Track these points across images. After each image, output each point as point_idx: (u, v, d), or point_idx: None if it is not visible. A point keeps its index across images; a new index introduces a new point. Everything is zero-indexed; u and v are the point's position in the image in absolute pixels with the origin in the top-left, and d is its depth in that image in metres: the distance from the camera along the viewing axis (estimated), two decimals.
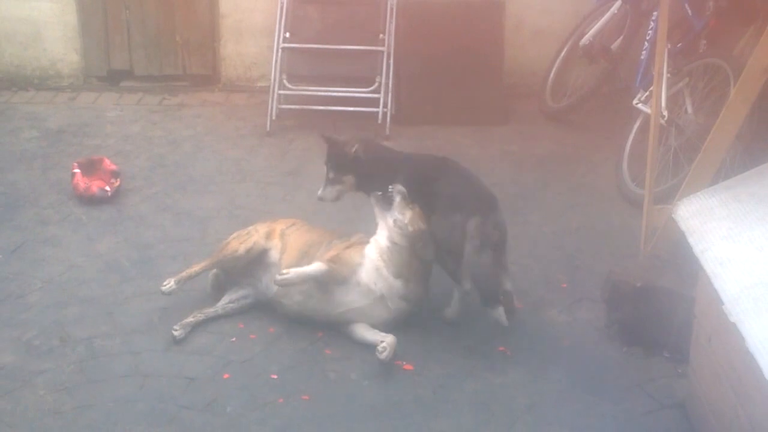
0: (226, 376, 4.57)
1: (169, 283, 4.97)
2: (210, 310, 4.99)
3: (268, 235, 5.10)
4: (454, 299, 4.88)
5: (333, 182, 5.15)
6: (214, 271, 5.15)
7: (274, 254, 5.03)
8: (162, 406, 4.36)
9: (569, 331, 4.95)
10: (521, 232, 5.86)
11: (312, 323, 4.88)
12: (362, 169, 5.07)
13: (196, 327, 4.89)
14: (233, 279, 5.10)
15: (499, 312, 4.76)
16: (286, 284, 4.77)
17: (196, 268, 5.08)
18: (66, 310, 5.07)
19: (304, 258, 4.94)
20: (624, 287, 4.80)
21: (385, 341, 4.59)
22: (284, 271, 4.77)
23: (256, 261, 5.03)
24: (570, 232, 5.91)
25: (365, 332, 4.78)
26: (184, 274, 5.03)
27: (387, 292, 4.78)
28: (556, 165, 6.81)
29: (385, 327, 4.76)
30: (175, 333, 4.81)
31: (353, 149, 5.05)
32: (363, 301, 4.80)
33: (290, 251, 5.02)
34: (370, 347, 4.66)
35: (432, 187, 4.88)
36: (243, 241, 5.07)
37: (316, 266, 4.76)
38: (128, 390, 4.46)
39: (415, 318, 4.89)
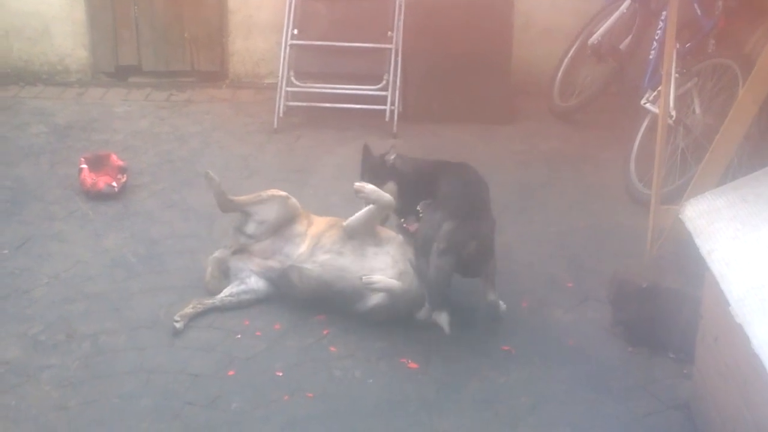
0: (230, 372, 4.58)
1: (215, 178, 5.22)
2: (209, 302, 5.01)
3: (295, 208, 5.21)
4: (425, 307, 4.81)
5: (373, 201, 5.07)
6: (216, 254, 5.21)
7: (299, 227, 5.13)
8: (167, 402, 4.37)
9: (574, 330, 4.94)
10: (527, 230, 5.86)
11: (315, 320, 4.88)
12: (400, 178, 5.05)
13: (195, 318, 4.92)
14: (240, 265, 5.13)
15: (442, 318, 4.66)
16: (364, 197, 4.91)
17: (236, 198, 5.23)
18: (72, 305, 5.08)
19: (333, 227, 5.07)
20: (630, 287, 4.79)
21: (384, 279, 4.78)
22: (359, 183, 4.94)
23: (277, 233, 5.12)
24: (576, 231, 5.90)
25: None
26: (232, 196, 5.23)
27: (404, 273, 4.86)
28: (563, 164, 6.80)
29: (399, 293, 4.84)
30: (176, 324, 4.84)
31: (391, 157, 5.09)
32: (389, 269, 4.86)
33: (317, 225, 5.15)
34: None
35: (439, 188, 4.89)
36: (269, 190, 5.24)
37: (387, 198, 4.92)
38: (133, 386, 4.47)
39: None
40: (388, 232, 5.05)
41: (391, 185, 5.04)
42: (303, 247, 5.03)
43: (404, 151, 6.82)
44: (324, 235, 5.06)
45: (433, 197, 4.88)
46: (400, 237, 4.99)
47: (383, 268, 4.87)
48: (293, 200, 5.22)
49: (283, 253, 5.06)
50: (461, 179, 4.95)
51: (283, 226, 5.13)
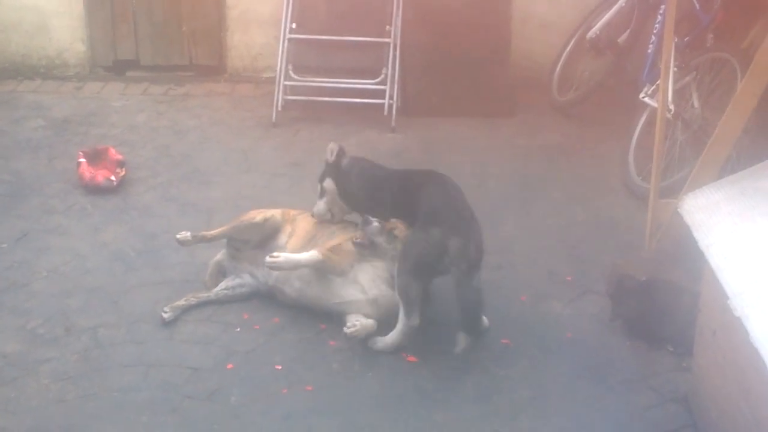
0: (229, 366, 4.58)
1: (186, 234, 5.08)
2: (203, 295, 5.02)
3: (283, 216, 5.16)
4: (397, 328, 4.64)
5: (320, 194, 5.11)
6: (217, 257, 5.18)
7: (282, 238, 5.08)
8: (165, 395, 4.37)
9: (573, 324, 4.94)
10: (526, 224, 5.87)
11: (312, 312, 4.89)
12: (343, 177, 5.02)
13: (187, 311, 4.92)
14: (235, 265, 5.11)
15: (462, 337, 4.57)
16: (275, 268, 4.79)
17: (212, 232, 5.16)
18: (71, 299, 5.08)
19: (310, 243, 4.97)
20: (628, 281, 4.79)
21: (360, 321, 4.64)
22: (275, 254, 4.79)
23: (263, 244, 5.07)
24: (575, 225, 5.90)
25: (353, 319, 4.76)
26: (201, 233, 5.14)
27: (380, 298, 4.77)
28: (562, 157, 6.80)
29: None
30: (165, 315, 4.86)
31: (332, 155, 5.05)
32: (358, 296, 4.80)
33: (297, 236, 5.06)
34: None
35: (415, 201, 4.75)
36: (261, 212, 5.16)
37: (309, 255, 4.78)
38: (132, 379, 4.47)
39: None
40: (352, 254, 4.82)
41: (329, 182, 5.04)
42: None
43: (404, 146, 6.90)
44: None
45: (400, 205, 4.79)
46: (367, 256, 4.81)
47: (354, 299, 4.79)
48: (272, 218, 5.12)
49: (265, 269, 4.99)
50: (441, 190, 4.78)
51: (267, 239, 5.11)
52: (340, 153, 5.09)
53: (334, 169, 5.07)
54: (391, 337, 4.65)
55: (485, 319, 4.77)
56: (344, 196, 5.05)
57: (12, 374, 4.48)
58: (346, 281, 4.81)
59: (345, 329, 4.60)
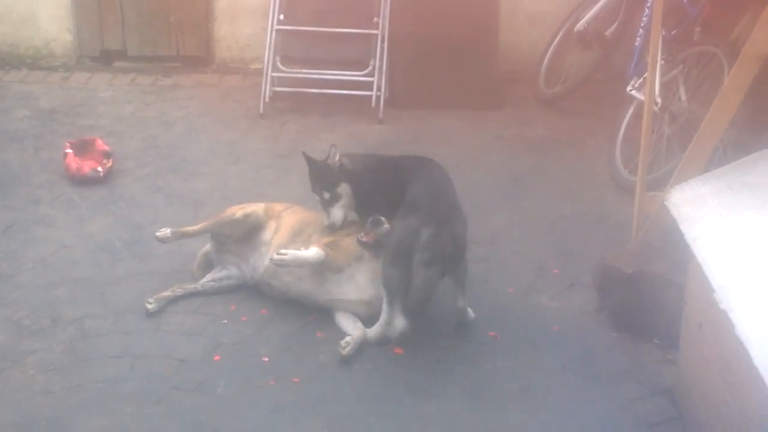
0: (216, 357, 4.58)
1: (165, 232, 5.05)
2: (189, 287, 5.01)
3: (266, 212, 5.11)
4: (379, 322, 4.61)
5: (332, 201, 4.85)
6: (205, 249, 5.17)
7: (267, 233, 5.04)
8: (152, 386, 4.36)
9: (560, 316, 4.95)
10: (513, 217, 5.87)
11: (300, 304, 4.88)
12: (357, 177, 4.83)
13: (173, 302, 4.92)
14: (221, 257, 5.10)
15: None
16: (282, 265, 4.74)
17: (193, 228, 5.14)
18: (57, 290, 5.07)
19: (297, 237, 4.93)
20: (615, 273, 4.80)
21: (349, 336, 4.58)
22: (282, 251, 4.72)
23: (247, 239, 5.05)
24: (562, 217, 5.91)
25: (343, 319, 4.77)
26: (181, 229, 5.10)
27: (375, 300, 4.74)
28: (549, 151, 6.81)
29: (366, 319, 4.76)
30: (149, 306, 4.84)
31: (336, 157, 4.82)
32: (352, 295, 4.79)
33: (283, 231, 5.02)
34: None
35: (406, 189, 4.67)
36: (242, 207, 5.12)
37: (314, 252, 4.71)
38: (118, 370, 4.46)
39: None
40: (350, 251, 4.79)
41: (345, 187, 4.82)
42: (267, 260, 4.88)
43: (391, 138, 6.89)
44: (287, 249, 4.86)
45: (395, 196, 4.65)
46: (367, 255, 4.76)
47: (348, 298, 4.78)
48: (253, 214, 5.07)
49: (250, 264, 5.02)
50: (428, 177, 4.73)
51: (251, 233, 5.08)
52: (345, 159, 4.87)
53: (342, 171, 4.83)
54: (373, 331, 4.63)
55: (470, 311, 4.77)
56: (359, 197, 4.86)
57: None
58: (341, 279, 4.79)
59: (340, 350, 4.51)
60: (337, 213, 4.85)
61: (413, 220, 4.51)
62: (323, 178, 4.84)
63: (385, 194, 4.76)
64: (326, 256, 4.72)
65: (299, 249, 4.76)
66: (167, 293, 4.93)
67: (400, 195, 4.67)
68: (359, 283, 4.78)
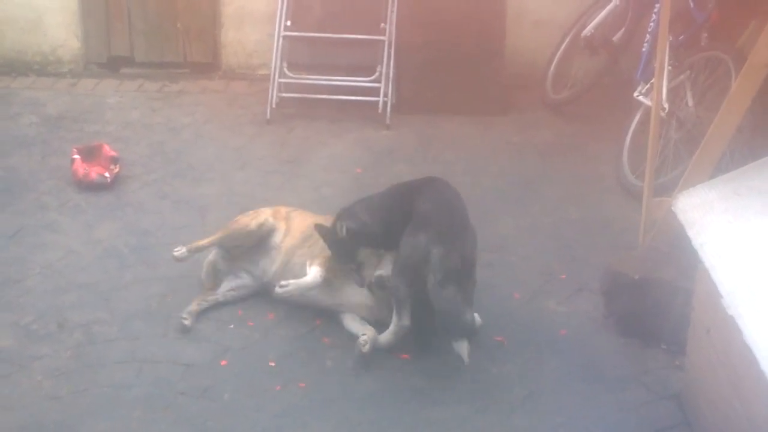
0: (223, 362, 4.58)
1: (181, 250, 5.04)
2: (212, 298, 5.01)
3: (274, 216, 5.13)
4: (389, 329, 4.62)
5: (359, 269, 4.83)
6: (210, 258, 5.15)
7: (276, 236, 5.07)
8: (159, 392, 4.37)
9: (567, 321, 4.95)
10: (521, 222, 5.87)
11: (306, 309, 4.90)
12: (364, 236, 4.80)
13: (202, 314, 4.92)
14: (232, 264, 5.10)
15: (462, 347, 4.43)
16: (288, 296, 4.79)
17: (206, 240, 5.13)
18: (64, 295, 5.08)
19: (307, 241, 4.97)
20: (622, 279, 4.80)
21: (367, 334, 4.59)
22: (284, 282, 4.78)
23: (257, 245, 5.06)
24: (569, 223, 5.90)
25: (351, 323, 4.80)
26: (195, 244, 5.08)
27: (377, 303, 4.79)
28: (556, 156, 6.80)
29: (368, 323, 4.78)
30: (185, 322, 4.82)
31: (343, 231, 4.77)
32: (356, 299, 4.82)
33: (293, 234, 5.05)
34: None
35: (412, 206, 4.68)
36: (254, 217, 5.12)
37: (313, 274, 4.79)
38: (125, 376, 4.47)
39: None
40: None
41: (362, 252, 4.80)
42: (277, 264, 4.97)
43: (398, 143, 6.89)
44: (296, 254, 4.97)
45: (407, 218, 4.65)
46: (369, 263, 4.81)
47: (352, 301, 4.83)
48: (266, 222, 5.08)
49: (260, 267, 5.04)
50: (436, 195, 4.72)
51: (262, 241, 5.09)
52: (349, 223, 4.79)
53: (353, 238, 4.76)
54: (384, 337, 4.63)
55: (477, 317, 4.76)
56: (380, 243, 4.83)
57: (5, 370, 4.48)
58: (344, 284, 4.83)
59: (361, 348, 4.52)
60: (368, 274, 4.84)
61: (423, 237, 4.50)
62: (343, 253, 4.82)
63: (400, 223, 4.70)
64: (324, 275, 4.78)
65: (299, 276, 4.84)
66: (194, 306, 4.91)
67: (410, 216, 4.67)
68: (362, 288, 4.80)
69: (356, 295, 4.81)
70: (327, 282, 4.82)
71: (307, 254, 4.95)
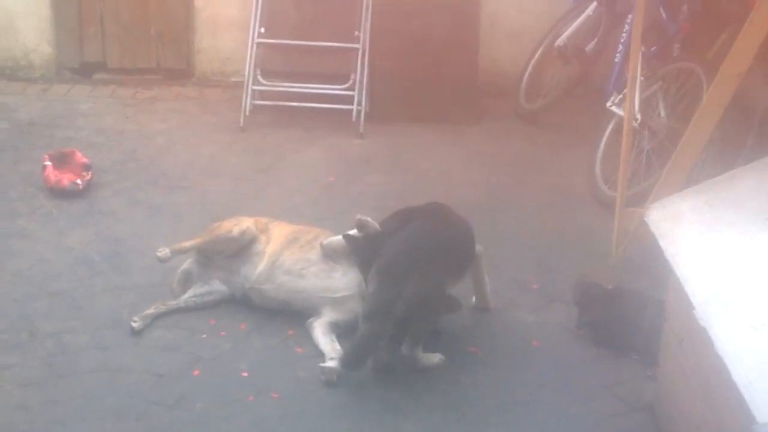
0: (195, 372, 4.56)
1: (165, 251, 5.02)
2: (172, 303, 4.99)
3: (256, 225, 5.14)
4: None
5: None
6: (184, 266, 5.14)
7: (259, 245, 5.07)
8: (130, 401, 4.34)
9: (540, 332, 4.96)
10: (493, 232, 5.86)
11: (279, 318, 4.89)
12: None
13: (156, 319, 4.89)
14: (205, 272, 5.09)
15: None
16: (330, 252, 4.91)
17: (189, 243, 5.12)
18: (35, 303, 5.04)
19: (294, 243, 5.01)
20: (595, 289, 4.81)
21: (332, 362, 4.52)
22: (324, 242, 4.93)
23: (238, 253, 5.06)
24: (542, 233, 5.91)
25: (321, 337, 4.75)
26: (178, 245, 5.09)
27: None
28: (529, 166, 6.82)
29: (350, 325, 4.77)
30: (134, 324, 4.80)
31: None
32: (353, 290, 4.83)
33: (275, 240, 5.07)
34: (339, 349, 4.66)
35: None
36: (236, 224, 5.11)
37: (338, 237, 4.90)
38: (96, 385, 4.43)
39: None
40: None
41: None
42: (261, 267, 4.98)
43: (371, 152, 6.89)
44: (283, 254, 5.00)
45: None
46: None
47: (348, 293, 4.84)
48: (248, 230, 5.07)
49: (241, 275, 5.03)
50: (410, 231, 4.64)
51: (242, 249, 5.09)
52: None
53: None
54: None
55: (439, 356, 4.63)
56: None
57: None
58: (347, 273, 4.85)
59: (320, 375, 4.49)
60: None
61: (371, 272, 4.49)
62: (363, 255, 4.75)
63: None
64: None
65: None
66: (151, 311, 4.90)
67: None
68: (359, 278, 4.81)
69: (353, 286, 4.83)
70: (327, 271, 4.90)
71: (296, 252, 4.98)
